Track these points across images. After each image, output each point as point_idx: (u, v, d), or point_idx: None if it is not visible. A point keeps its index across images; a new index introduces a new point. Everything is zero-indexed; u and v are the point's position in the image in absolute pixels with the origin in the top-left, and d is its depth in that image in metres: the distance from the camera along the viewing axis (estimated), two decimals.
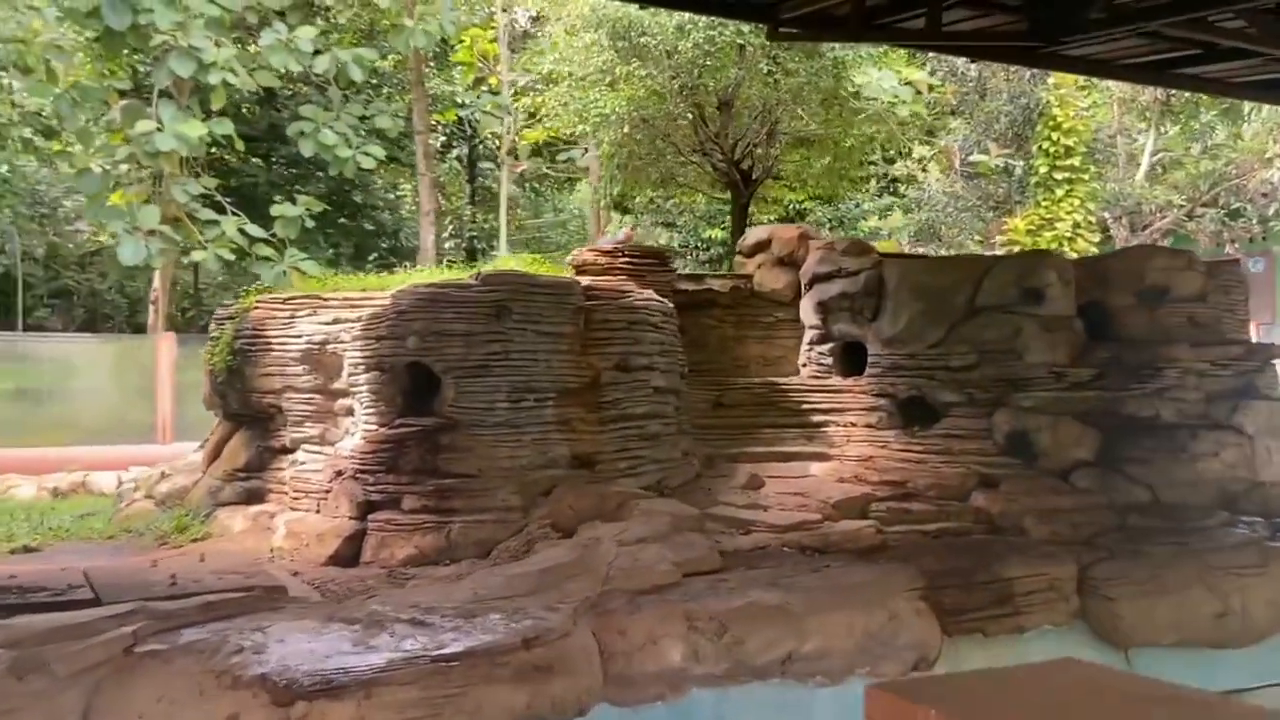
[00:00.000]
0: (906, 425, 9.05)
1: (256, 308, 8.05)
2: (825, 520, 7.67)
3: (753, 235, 10.44)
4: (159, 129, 19.07)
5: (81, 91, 20.10)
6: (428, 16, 18.07)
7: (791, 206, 24.18)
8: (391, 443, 7.00)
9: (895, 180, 26.86)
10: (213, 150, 24.03)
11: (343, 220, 28.10)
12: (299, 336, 7.77)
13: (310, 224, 23.70)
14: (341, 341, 7.57)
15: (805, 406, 9.47)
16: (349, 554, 6.73)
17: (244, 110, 23.85)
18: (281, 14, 20.57)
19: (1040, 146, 22.63)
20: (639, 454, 7.87)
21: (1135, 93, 24.85)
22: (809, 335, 9.75)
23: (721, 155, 10.91)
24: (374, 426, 7.27)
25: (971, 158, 25.30)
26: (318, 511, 7.13)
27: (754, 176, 11.24)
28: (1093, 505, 7.73)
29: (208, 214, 21.08)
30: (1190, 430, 8.34)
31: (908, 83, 20.01)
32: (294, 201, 24.11)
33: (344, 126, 21.15)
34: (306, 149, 21.79)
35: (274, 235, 21.51)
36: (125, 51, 20.16)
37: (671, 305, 8.89)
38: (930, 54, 25.53)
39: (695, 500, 7.88)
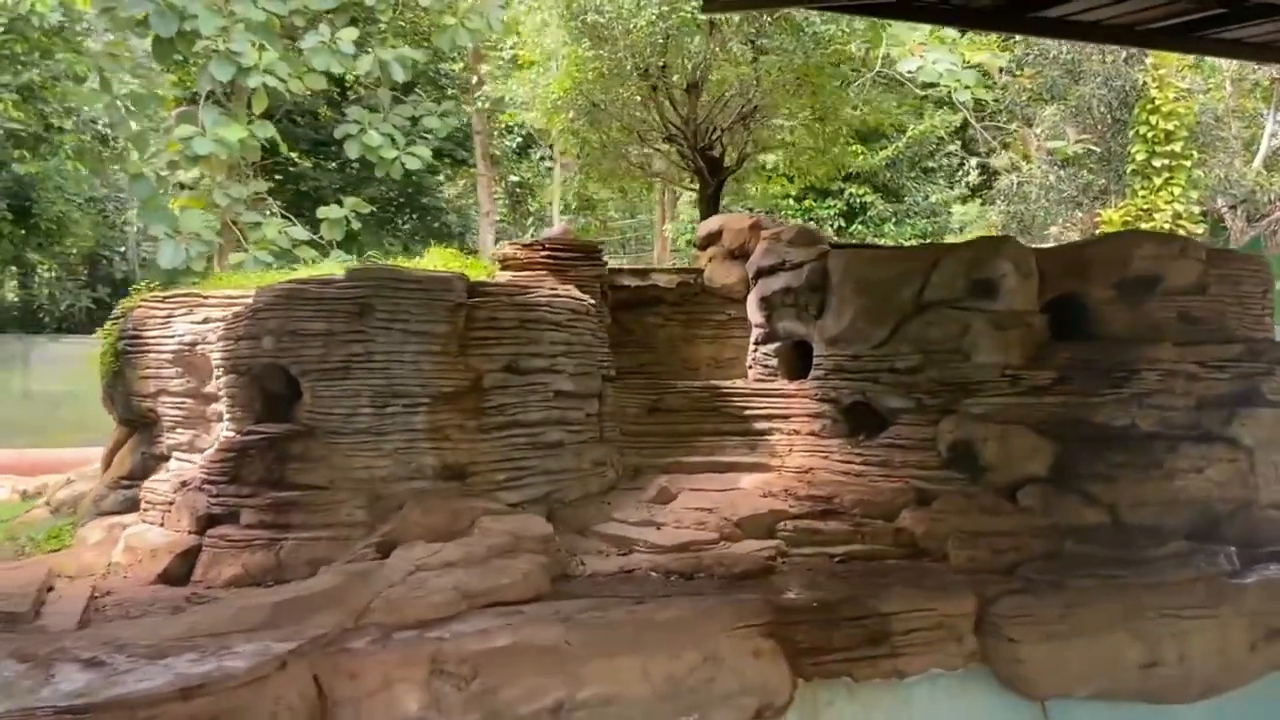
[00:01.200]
0: (852, 434, 8.16)
1: (139, 307, 7.72)
2: (723, 540, 6.91)
3: (705, 226, 9.67)
4: (200, 133, 19.25)
5: (134, 99, 20.50)
6: (471, 14, 17.78)
7: (826, 199, 23.08)
8: (235, 451, 6.55)
9: (986, 171, 25.35)
10: (275, 155, 24.42)
11: (408, 223, 28.25)
12: (172, 337, 7.41)
13: (364, 225, 23.73)
14: (210, 342, 7.18)
15: (748, 413, 8.66)
16: (180, 572, 6.31)
17: (310, 114, 24.07)
18: (330, 14, 20.68)
19: (1137, 132, 20.97)
20: (525, 465, 7.23)
21: (1247, 71, 22.83)
22: (754, 334, 8.94)
23: (687, 142, 10.16)
24: (231, 433, 6.84)
25: (1048, 144, 23.67)
26: (162, 524, 6.74)
27: (725, 164, 10.46)
28: (1031, 528, 6.73)
29: (252, 217, 21.20)
30: (1170, 442, 7.22)
31: (971, 66, 18.75)
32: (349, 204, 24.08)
33: (390, 128, 21.07)
34: (353, 151, 21.80)
35: (320, 237, 21.52)
36: (177, 58, 20.54)
37: (591, 302, 8.22)
38: (1017, 37, 24.01)
39: (586, 516, 7.23)
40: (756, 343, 8.90)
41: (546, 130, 10.83)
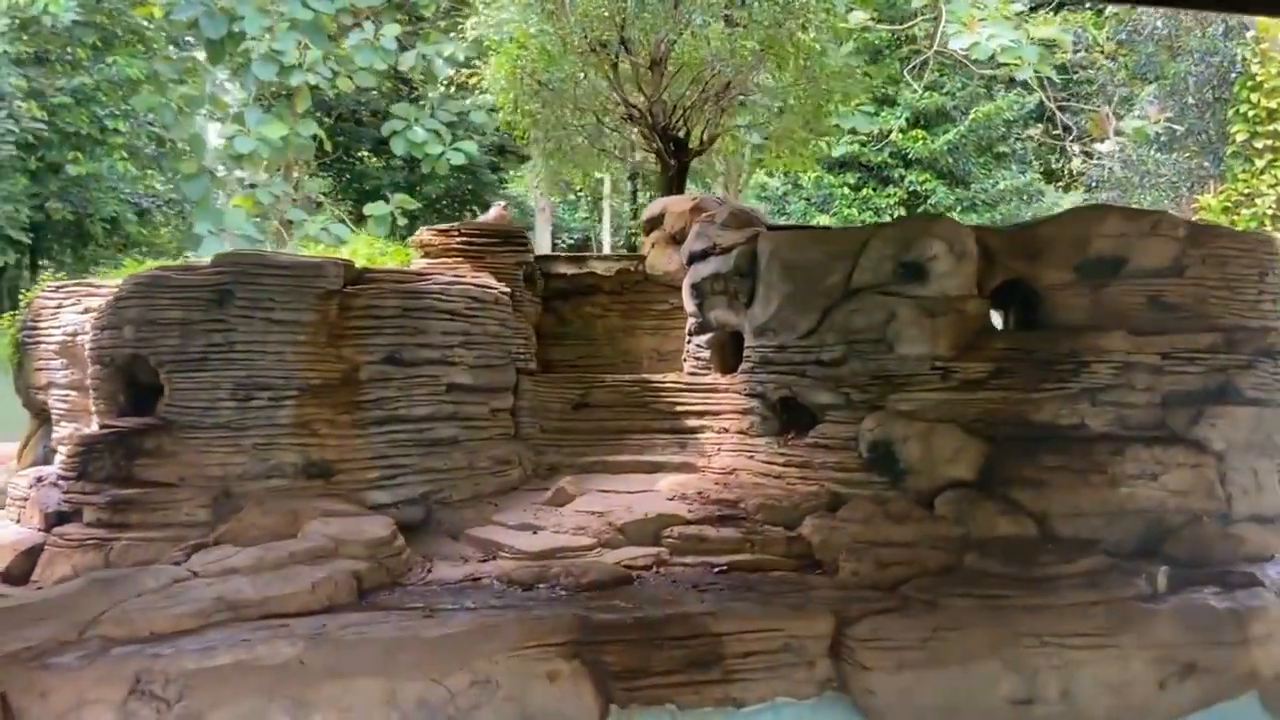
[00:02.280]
0: (783, 431, 7.46)
1: (38, 297, 7.58)
2: (600, 547, 6.34)
3: (649, 210, 9.05)
4: (243, 132, 19.47)
5: (186, 100, 20.86)
6: None
7: (886, 188, 21.97)
8: (85, 447, 6.30)
9: (1065, 155, 23.85)
10: (338, 153, 24.67)
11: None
12: (59, 328, 7.24)
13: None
14: (88, 333, 6.96)
15: (680, 409, 8.03)
16: (22, 571, 6.10)
17: (375, 113, 24.05)
18: (376, 12, 20.69)
19: (1237, 110, 19.32)
20: (401, 463, 6.80)
21: None
22: (689, 324, 8.29)
23: (648, 122, 9.53)
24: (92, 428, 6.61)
25: (1126, 124, 22.08)
26: (18, 521, 6.54)
27: (688, 145, 9.79)
28: (936, 539, 5.95)
29: (297, 214, 21.38)
30: (1118, 445, 6.33)
31: (1036, 42, 17.60)
32: (413, 197, 24.13)
33: (436, 124, 20.98)
34: (398, 147, 21.79)
35: (359, 232, 21.50)
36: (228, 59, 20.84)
37: (503, 290, 7.75)
38: (1108, 10, 22.49)
39: (465, 518, 6.76)
40: (690, 333, 8.26)
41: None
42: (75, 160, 19.76)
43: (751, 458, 7.50)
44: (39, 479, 6.55)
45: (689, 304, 8.16)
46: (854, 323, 6.97)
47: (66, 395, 7.23)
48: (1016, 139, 24.71)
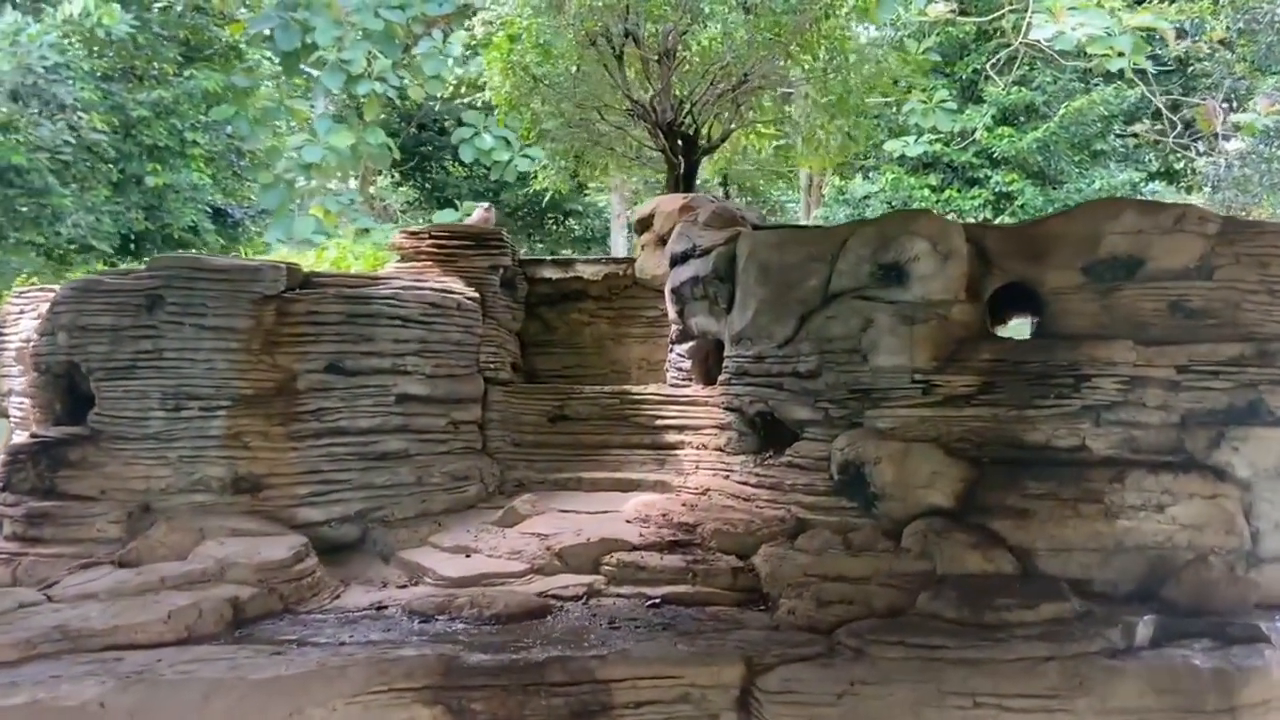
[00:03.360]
0: (762, 449, 6.82)
1: (7, 303, 7.51)
2: (532, 573, 5.84)
3: (640, 209, 8.50)
4: (312, 141, 19.71)
5: (263, 112, 21.29)
6: None
7: (971, 189, 20.80)
8: (11, 456, 6.12)
9: (1166, 152, 22.38)
10: (413, 160, 24.86)
11: (548, 226, 28.12)
12: (18, 334, 7.13)
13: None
14: None
15: (660, 422, 7.47)
16: None
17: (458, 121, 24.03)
18: (446, 19, 20.73)
19: None
20: (336, 478, 6.43)
21: None
22: (671, 332, 7.71)
23: (653, 118, 8.96)
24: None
25: (1235, 118, 20.45)
26: None
27: (699, 143, 9.18)
28: (890, 574, 5.23)
29: (365, 222, 21.55)
30: (1118, 470, 5.50)
31: (1131, 31, 16.39)
32: (495, 206, 24.28)
33: (505, 131, 20.88)
34: (466, 155, 21.78)
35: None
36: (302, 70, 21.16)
37: (469, 296, 7.34)
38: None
39: (402, 538, 6.34)
40: (672, 341, 7.68)
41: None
42: (154, 172, 20.26)
43: (726, 477, 6.88)
44: None
45: (670, 310, 7.59)
46: (830, 330, 6.29)
47: (22, 403, 7.11)
48: (1116, 136, 23.16)
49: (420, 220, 24.24)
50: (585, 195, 29.21)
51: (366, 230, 20.34)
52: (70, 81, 15.99)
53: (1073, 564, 5.35)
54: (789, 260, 6.60)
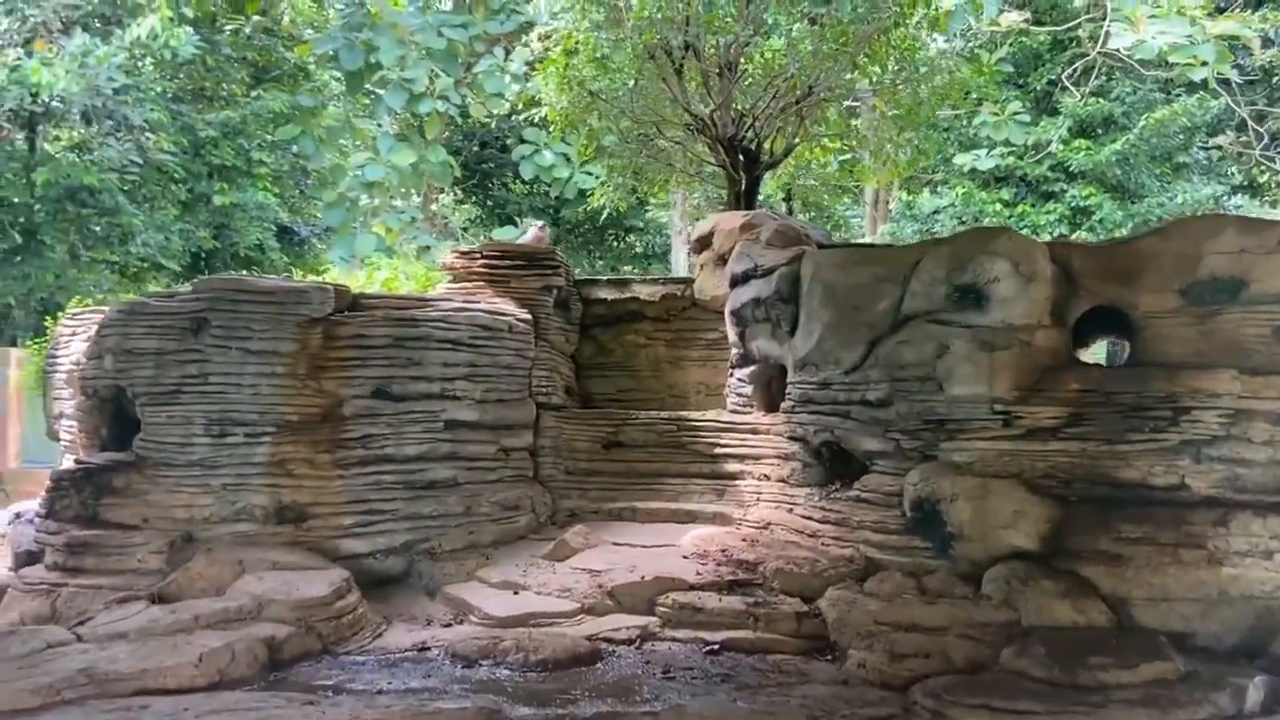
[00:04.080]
0: (828, 481, 6.43)
1: (60, 325, 7.44)
2: (583, 613, 5.53)
3: (699, 228, 8.17)
4: (374, 160, 19.81)
5: (327, 132, 21.47)
6: None
7: (1047, 203, 20.09)
8: (55, 483, 6.00)
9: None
10: (475, 177, 24.89)
11: (608, 242, 27.94)
12: (69, 357, 7.05)
13: (564, 246, 23.47)
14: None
15: (719, 450, 7.11)
16: None
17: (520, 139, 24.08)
18: (507, 37, 20.74)
19: None
20: (382, 508, 6.19)
21: None
22: (731, 355, 7.35)
23: (714, 133, 8.61)
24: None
25: None
26: None
27: (760, 158, 8.80)
28: (971, 625, 4.81)
29: (426, 239, 21.60)
30: (1224, 512, 5.02)
31: (1214, 39, 15.71)
32: (555, 223, 24.18)
33: (565, 148, 20.81)
34: (527, 172, 21.73)
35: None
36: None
37: (522, 317, 7.08)
38: None
39: (449, 572, 6.07)
40: (732, 365, 7.32)
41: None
42: (222, 191, 20.50)
43: (790, 511, 6.50)
44: (18, 515, 6.31)
45: (730, 332, 7.24)
46: (902, 356, 5.89)
47: (72, 426, 7.02)
48: (1199, 148, 22.23)
49: (481, 237, 24.21)
50: (646, 211, 28.92)
51: (427, 248, 20.33)
52: (140, 103, 16.19)
53: (1173, 616, 4.87)
54: (857, 281, 6.21)
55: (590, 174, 19.87)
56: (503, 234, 20.79)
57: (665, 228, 28.54)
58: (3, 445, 14.49)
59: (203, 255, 21.66)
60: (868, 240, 24.29)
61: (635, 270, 28.98)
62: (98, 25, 15.89)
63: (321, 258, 24.94)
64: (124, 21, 15.93)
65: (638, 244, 28.18)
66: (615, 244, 28.43)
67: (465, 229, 26.05)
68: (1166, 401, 5.26)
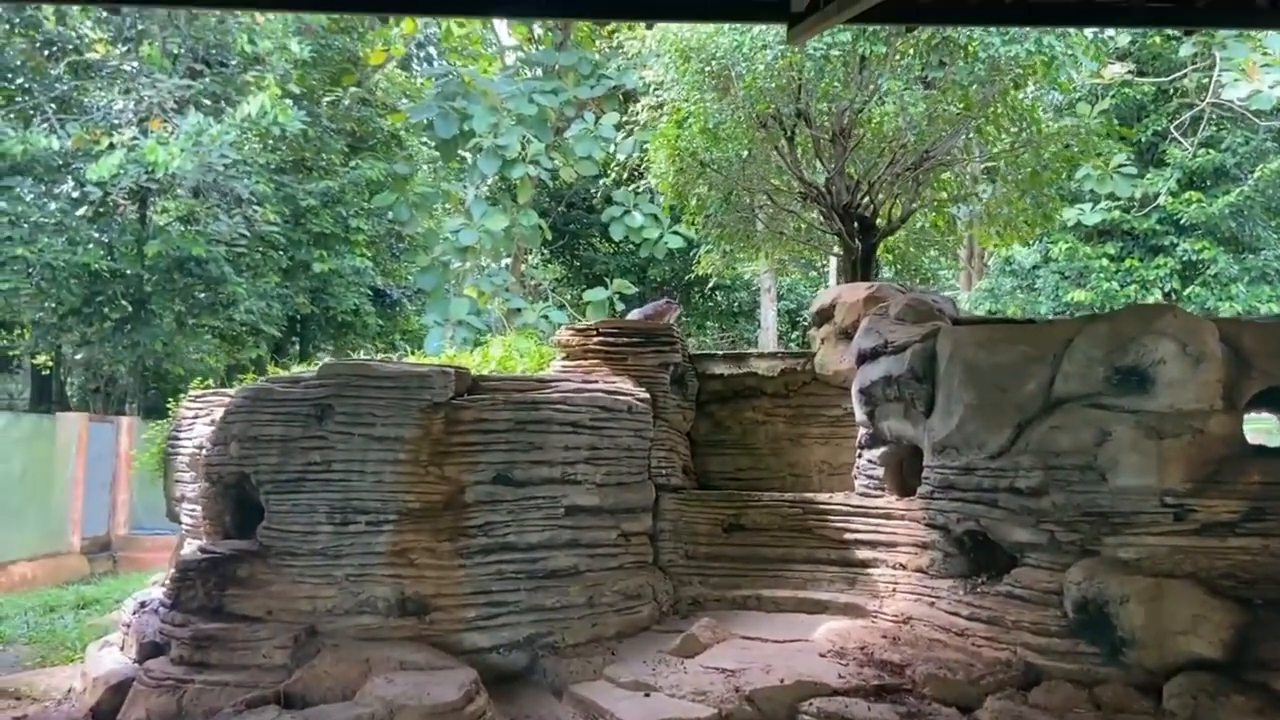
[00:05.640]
0: (972, 573, 6.05)
1: (182, 406, 7.47)
2: (720, 719, 5.19)
3: (819, 300, 7.90)
4: (468, 225, 20.11)
5: (421, 198, 21.90)
6: None
7: (1156, 257, 19.37)
8: (181, 572, 5.93)
9: None
10: (564, 238, 25.09)
11: (694, 300, 27.86)
12: (192, 439, 7.05)
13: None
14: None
15: (849, 536, 6.78)
16: (111, 708, 5.75)
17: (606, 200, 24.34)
18: (598, 101, 21.01)
19: None
20: (506, 599, 5.98)
21: None
22: (859, 435, 7.03)
23: (828, 200, 8.37)
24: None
25: None
26: (122, 648, 6.24)
27: (876, 224, 8.52)
28: None
29: (519, 302, 21.77)
30: None
31: None
32: (640, 282, 24.25)
33: (655, 208, 20.91)
34: (616, 233, 21.85)
35: (579, 319, 21.73)
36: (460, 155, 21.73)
37: (641, 396, 6.87)
38: None
39: (575, 669, 5.81)
40: (860, 446, 6.99)
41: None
42: (321, 258, 20.92)
43: (932, 605, 6.11)
44: (142, 604, 6.25)
45: (859, 411, 6.92)
46: (1056, 442, 5.51)
47: (194, 510, 6.99)
48: None
49: (569, 296, 24.28)
50: (732, 268, 28.70)
51: (518, 310, 20.44)
52: (247, 176, 16.65)
53: None
54: (1001, 360, 5.87)
55: (679, 234, 19.85)
56: (593, 295, 20.82)
57: (752, 282, 28.37)
58: (112, 512, 14.79)
59: (299, 319, 22.12)
60: (961, 292, 23.67)
61: (723, 326, 28.74)
62: (208, 104, 16.42)
63: (412, 319, 25.33)
64: (233, 99, 16.45)
65: (724, 301, 28.04)
66: (702, 301, 28.35)
67: (553, 289, 26.21)
68: None
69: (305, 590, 5.81)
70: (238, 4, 12.49)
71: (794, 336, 27.00)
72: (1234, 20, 7.21)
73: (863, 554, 6.71)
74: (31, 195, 15.26)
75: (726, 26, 8.31)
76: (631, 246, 21.75)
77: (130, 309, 16.98)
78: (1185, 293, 20.02)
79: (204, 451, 6.53)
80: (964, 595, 5.93)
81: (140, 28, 16.31)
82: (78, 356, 19.75)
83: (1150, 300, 19.22)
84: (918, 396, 6.35)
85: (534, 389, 6.44)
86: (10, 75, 16.02)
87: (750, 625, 6.39)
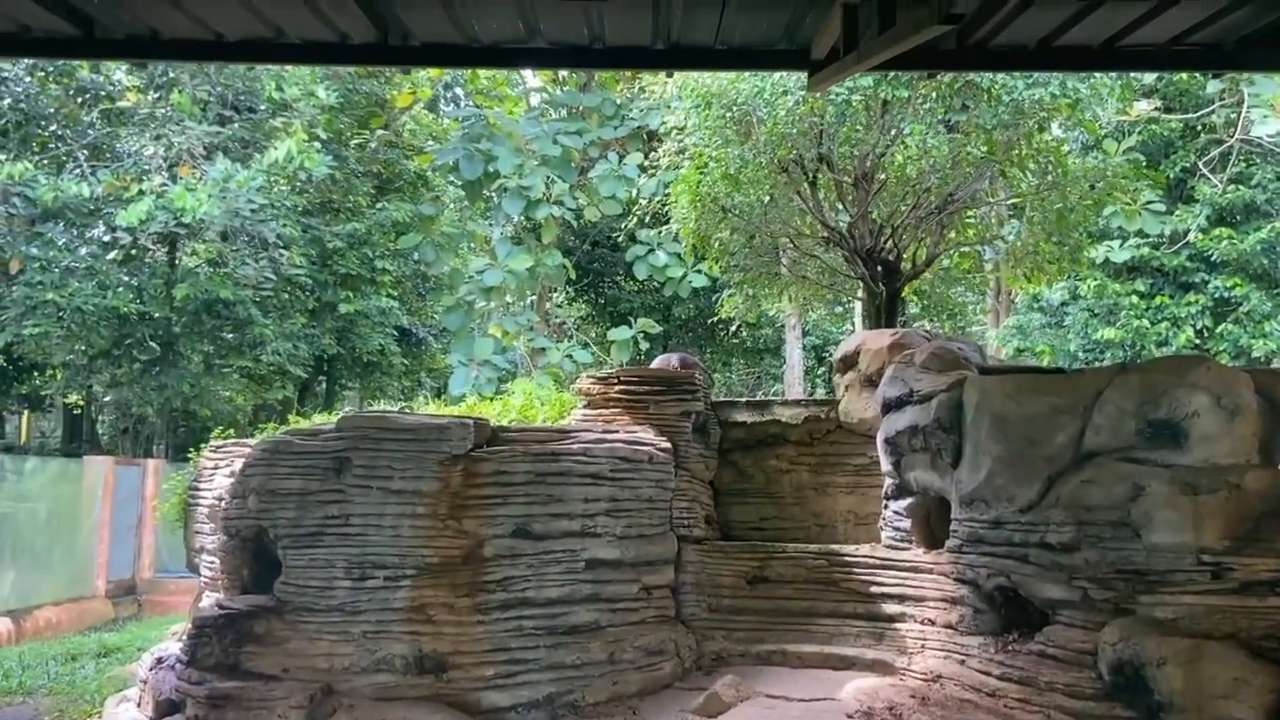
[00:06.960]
0: (1004, 629, 5.88)
1: (203, 457, 7.46)
2: None
3: (842, 347, 7.80)
4: (492, 266, 20.21)
5: (446, 239, 22.06)
6: None
7: (1186, 294, 19.12)
8: (197, 628, 5.88)
9: None
10: (588, 278, 25.16)
11: (719, 338, 27.79)
12: (211, 491, 7.03)
13: (674, 344, 23.52)
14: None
15: (875, 590, 6.63)
16: None
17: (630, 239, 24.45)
18: (621, 141, 21.15)
19: None
20: (525, 656, 5.88)
21: None
22: (885, 486, 6.90)
23: (851, 245, 8.31)
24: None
25: None
26: (139, 705, 6.18)
27: (901, 268, 8.43)
28: None
29: (544, 341, 21.81)
30: None
31: None
32: (665, 320, 24.26)
33: (678, 247, 20.95)
34: (640, 272, 21.90)
35: (604, 359, 21.65)
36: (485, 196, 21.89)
37: (663, 446, 6.79)
38: None
39: None
40: (887, 496, 6.86)
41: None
42: (347, 300, 21.04)
43: (962, 662, 5.94)
44: (159, 660, 6.19)
45: (884, 462, 6.80)
46: (1088, 497, 5.37)
47: (213, 562, 6.95)
48: None
49: (593, 334, 24.27)
50: (755, 311, 28.52)
51: (543, 349, 20.45)
52: (274, 219, 16.81)
53: None
54: (1030, 411, 5.74)
55: (702, 273, 19.84)
56: (617, 334, 20.81)
57: (775, 319, 28.26)
58: (137, 555, 14.81)
59: (325, 360, 22.23)
60: (989, 329, 23.43)
61: (747, 363, 28.58)
62: (237, 149, 16.63)
63: (439, 359, 25.40)
64: (261, 145, 16.65)
65: (749, 339, 27.96)
66: (725, 339, 28.29)
67: (577, 327, 26.23)
68: None
69: (322, 647, 5.74)
70: (264, 59, 12.65)
71: (819, 373, 26.81)
72: (1261, 63, 7.10)
73: (890, 608, 6.56)
74: (63, 240, 15.47)
75: (747, 73, 8.31)
76: (656, 285, 21.75)
77: (159, 351, 17.11)
78: (1218, 330, 19.73)
79: (223, 504, 6.50)
80: (995, 654, 5.76)
81: (171, 75, 16.57)
82: (108, 398, 19.91)
83: (1182, 337, 18.92)
84: (944, 447, 6.23)
85: (554, 440, 6.38)
86: (44, 122, 16.30)
87: (775, 682, 6.24)
